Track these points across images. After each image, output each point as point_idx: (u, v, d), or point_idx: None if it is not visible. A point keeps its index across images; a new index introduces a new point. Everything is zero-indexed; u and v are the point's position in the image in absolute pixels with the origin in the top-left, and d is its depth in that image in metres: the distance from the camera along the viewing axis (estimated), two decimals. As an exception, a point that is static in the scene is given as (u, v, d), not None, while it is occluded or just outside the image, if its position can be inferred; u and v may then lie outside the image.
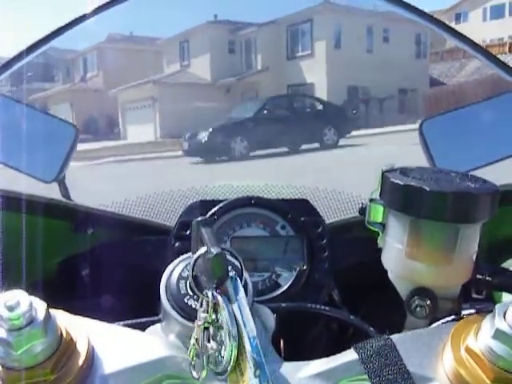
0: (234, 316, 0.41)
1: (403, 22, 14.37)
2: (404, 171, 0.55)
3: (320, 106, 14.78)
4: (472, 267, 0.54)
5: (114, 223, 0.83)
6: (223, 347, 0.41)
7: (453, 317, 0.51)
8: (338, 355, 0.46)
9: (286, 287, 0.71)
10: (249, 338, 0.40)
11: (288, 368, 0.45)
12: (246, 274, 0.48)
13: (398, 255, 0.54)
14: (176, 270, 0.49)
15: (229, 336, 0.40)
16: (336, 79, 19.32)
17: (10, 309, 0.38)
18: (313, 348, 0.64)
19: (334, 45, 20.59)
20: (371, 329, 0.57)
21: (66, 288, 0.75)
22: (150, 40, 25.19)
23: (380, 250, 0.57)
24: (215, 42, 21.82)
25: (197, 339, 0.42)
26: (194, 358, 0.43)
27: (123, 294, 0.69)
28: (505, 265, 0.73)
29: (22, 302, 0.38)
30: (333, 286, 0.75)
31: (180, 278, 0.48)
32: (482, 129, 0.91)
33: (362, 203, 0.60)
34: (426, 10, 0.79)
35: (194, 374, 0.42)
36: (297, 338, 0.63)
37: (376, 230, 0.59)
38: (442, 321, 0.52)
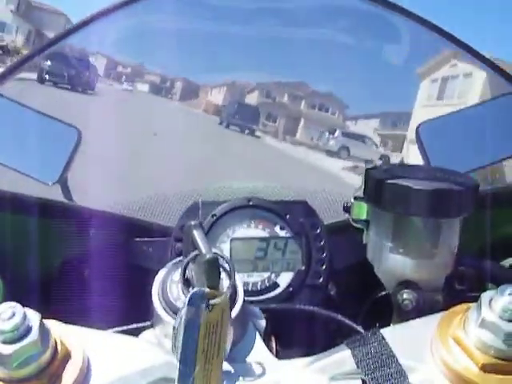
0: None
1: None
2: (387, 169, 0.57)
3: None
4: (454, 260, 0.56)
5: (115, 224, 0.83)
6: None
7: (439, 308, 0.53)
8: (331, 351, 0.46)
9: (284, 287, 0.72)
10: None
11: (280, 365, 0.46)
12: (236, 277, 0.48)
13: (383, 250, 0.56)
14: (168, 274, 0.49)
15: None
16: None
17: (5, 321, 0.37)
18: (307, 347, 0.65)
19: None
20: (360, 327, 0.58)
21: (67, 287, 0.75)
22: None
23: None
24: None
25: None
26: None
27: (123, 294, 0.69)
28: (505, 263, 0.76)
29: (17, 313, 0.38)
30: (331, 286, 0.76)
31: (172, 281, 0.48)
32: (477, 131, 0.92)
33: (346, 202, 0.61)
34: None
35: None
36: (291, 337, 0.64)
37: (360, 226, 0.60)
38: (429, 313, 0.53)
